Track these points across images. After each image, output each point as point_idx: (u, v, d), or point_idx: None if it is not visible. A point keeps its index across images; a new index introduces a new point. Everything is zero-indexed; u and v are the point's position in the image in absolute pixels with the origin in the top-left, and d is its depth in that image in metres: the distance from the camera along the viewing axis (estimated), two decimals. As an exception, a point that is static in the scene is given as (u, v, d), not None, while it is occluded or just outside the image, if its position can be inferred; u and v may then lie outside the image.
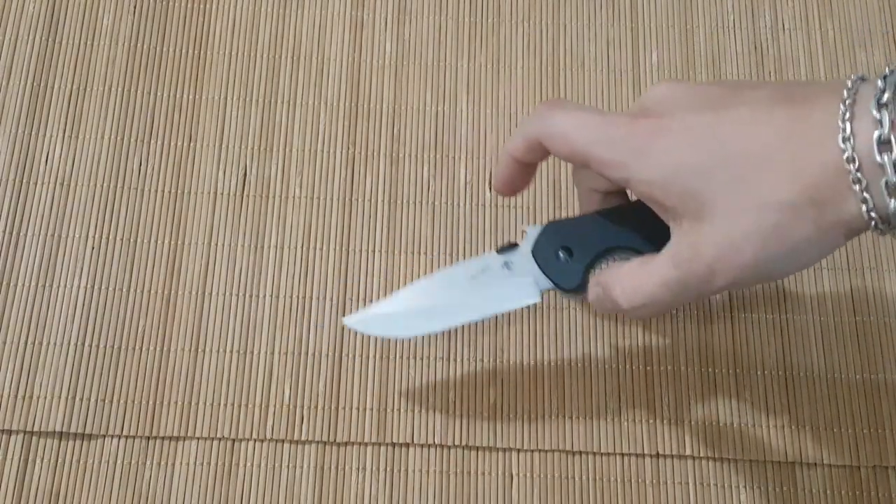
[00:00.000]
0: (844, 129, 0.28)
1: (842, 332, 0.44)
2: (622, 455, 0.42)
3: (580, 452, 0.42)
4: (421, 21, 0.50)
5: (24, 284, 0.44)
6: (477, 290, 0.37)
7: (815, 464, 0.42)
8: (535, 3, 0.51)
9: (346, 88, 0.49)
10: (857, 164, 0.28)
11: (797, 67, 0.50)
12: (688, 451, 0.42)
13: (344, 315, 0.44)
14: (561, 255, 0.36)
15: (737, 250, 0.30)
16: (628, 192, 0.39)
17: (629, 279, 0.34)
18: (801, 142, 0.29)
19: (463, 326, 0.44)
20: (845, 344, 0.44)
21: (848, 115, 0.28)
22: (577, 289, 0.36)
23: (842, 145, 0.28)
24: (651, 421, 0.43)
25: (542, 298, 0.38)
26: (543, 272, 0.36)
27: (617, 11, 0.51)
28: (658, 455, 0.42)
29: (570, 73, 0.49)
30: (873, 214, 0.28)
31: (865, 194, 0.28)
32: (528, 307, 0.41)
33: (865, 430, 0.43)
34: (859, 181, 0.28)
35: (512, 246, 0.38)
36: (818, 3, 0.51)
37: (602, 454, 0.42)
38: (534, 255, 0.37)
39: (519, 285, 0.37)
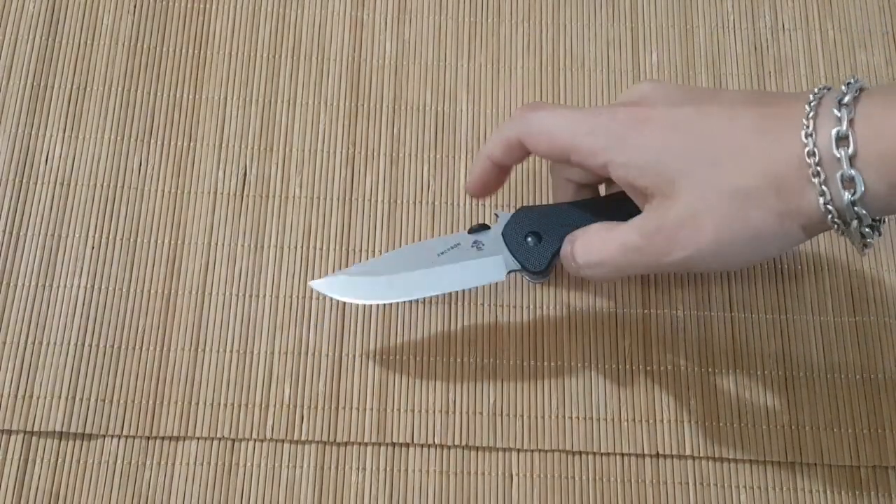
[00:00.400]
0: (808, 126, 0.30)
1: (842, 332, 0.44)
2: (622, 455, 0.42)
3: (580, 452, 0.42)
4: (421, 21, 0.50)
5: (24, 284, 0.44)
6: (444, 265, 0.39)
7: (815, 464, 0.42)
8: (535, 3, 0.51)
9: (346, 88, 0.49)
10: (817, 157, 0.30)
11: (797, 67, 0.50)
12: (688, 451, 0.42)
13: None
14: (529, 239, 0.38)
15: (698, 227, 0.32)
16: (600, 188, 0.41)
17: (592, 237, 0.36)
18: (769, 136, 0.31)
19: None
20: (845, 344, 0.44)
21: (812, 114, 0.30)
22: (543, 272, 0.38)
23: (804, 140, 0.30)
24: (651, 421, 0.43)
25: (507, 278, 0.39)
26: (512, 254, 0.38)
27: (617, 11, 0.51)
28: (658, 455, 0.42)
29: (570, 73, 0.49)
30: (830, 207, 0.30)
31: (823, 187, 0.30)
32: (495, 283, 0.42)
33: (865, 430, 0.43)
34: (818, 174, 0.30)
35: (483, 227, 0.39)
36: (818, 3, 0.51)
37: (602, 454, 0.42)
38: (503, 237, 0.38)
39: (486, 264, 0.38)
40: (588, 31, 0.50)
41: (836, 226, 0.31)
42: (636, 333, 0.44)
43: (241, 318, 0.44)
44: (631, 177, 0.33)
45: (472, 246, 0.38)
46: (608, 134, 0.34)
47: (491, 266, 0.38)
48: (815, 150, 0.30)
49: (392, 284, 0.39)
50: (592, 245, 0.35)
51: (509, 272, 0.38)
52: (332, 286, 0.40)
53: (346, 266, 0.45)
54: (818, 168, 0.30)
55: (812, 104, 0.31)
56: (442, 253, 0.39)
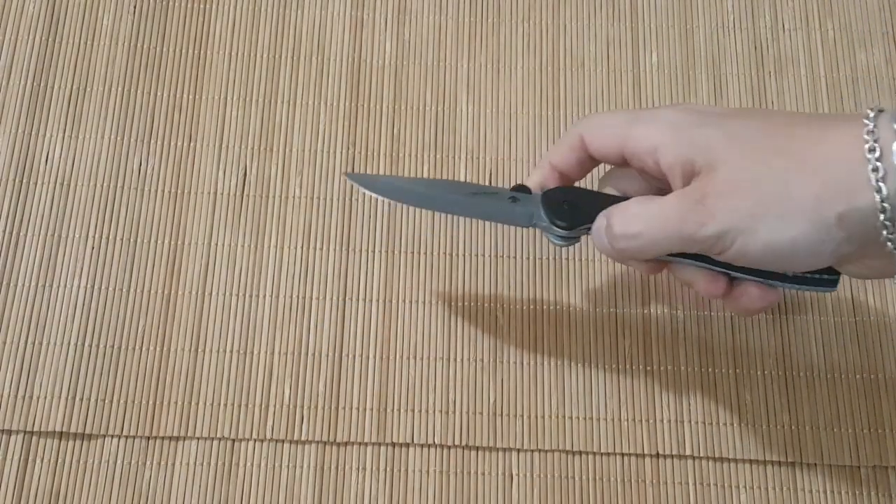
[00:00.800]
0: (868, 115, 0.30)
1: (842, 332, 0.44)
2: (622, 455, 0.42)
3: (580, 452, 0.42)
4: (421, 21, 0.50)
5: (24, 284, 0.44)
6: (477, 199, 0.39)
7: (815, 464, 0.42)
8: (535, 3, 0.51)
9: (346, 88, 0.49)
10: (875, 134, 0.29)
11: (797, 67, 0.50)
12: (688, 451, 0.42)
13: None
14: (566, 207, 0.38)
15: (740, 198, 0.31)
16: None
17: (631, 207, 0.35)
18: (828, 123, 0.31)
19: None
20: (845, 344, 0.44)
21: (874, 108, 0.30)
22: (567, 232, 0.38)
23: (866, 122, 0.30)
24: (651, 421, 0.43)
25: (529, 230, 0.41)
26: (544, 209, 0.38)
27: (617, 11, 0.51)
28: (658, 455, 0.42)
29: (570, 73, 0.49)
30: (881, 185, 0.29)
31: (878, 163, 0.29)
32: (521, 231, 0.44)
33: (865, 430, 0.43)
34: (874, 149, 0.29)
35: (524, 189, 0.39)
36: (818, 3, 0.51)
37: (602, 454, 0.42)
38: (542, 196, 0.38)
39: (515, 211, 0.39)
40: (588, 31, 0.50)
41: (882, 212, 0.29)
42: (636, 333, 0.44)
43: (241, 318, 0.44)
44: (682, 154, 0.33)
45: (509, 199, 0.39)
46: (664, 120, 0.34)
47: (519, 214, 0.38)
48: (875, 129, 0.29)
49: (422, 196, 0.40)
50: (630, 214, 0.35)
51: (534, 224, 0.38)
52: (365, 181, 0.41)
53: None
54: (875, 143, 0.29)
55: (874, 108, 0.31)
56: (476, 193, 0.40)
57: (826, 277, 0.35)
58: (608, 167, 0.40)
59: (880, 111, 0.30)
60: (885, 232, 0.29)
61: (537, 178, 0.39)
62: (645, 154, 0.34)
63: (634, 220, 0.34)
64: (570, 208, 0.38)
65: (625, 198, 0.37)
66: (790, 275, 0.35)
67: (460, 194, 0.40)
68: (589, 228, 0.37)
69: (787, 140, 0.31)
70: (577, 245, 0.45)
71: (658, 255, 0.35)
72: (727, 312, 0.45)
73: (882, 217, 0.29)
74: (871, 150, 0.29)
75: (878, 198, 0.29)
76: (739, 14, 0.51)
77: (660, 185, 0.36)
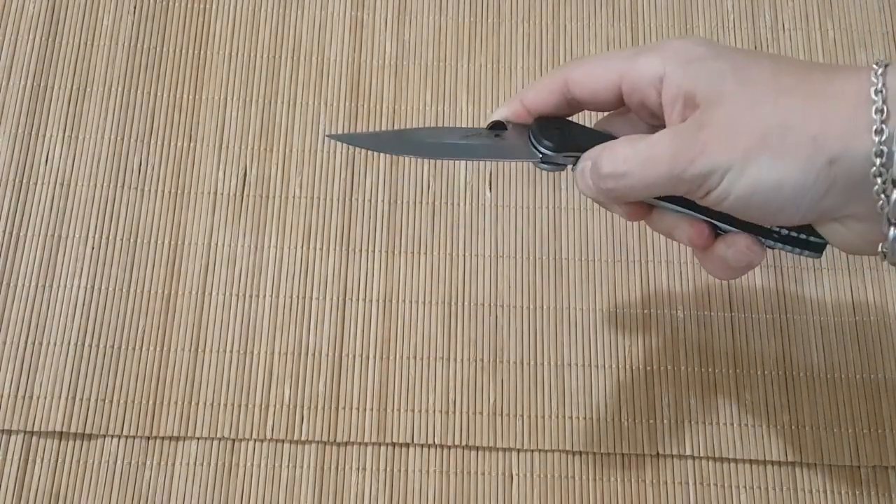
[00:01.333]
0: (876, 69, 0.29)
1: (842, 332, 0.44)
2: (622, 455, 0.42)
3: (580, 452, 0.42)
4: (421, 21, 0.50)
5: (24, 284, 0.44)
6: (469, 142, 0.37)
7: (815, 464, 0.42)
8: (535, 3, 0.51)
9: (346, 88, 0.49)
10: (884, 78, 0.29)
11: (797, 67, 0.50)
12: (688, 451, 0.42)
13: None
14: (556, 132, 0.36)
15: (734, 132, 0.30)
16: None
17: (621, 147, 0.33)
18: (835, 71, 0.30)
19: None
20: (845, 344, 0.44)
21: (881, 66, 0.30)
22: (554, 154, 0.36)
23: (875, 66, 0.29)
24: (651, 421, 0.43)
25: (534, 161, 0.36)
26: (531, 131, 0.36)
27: (617, 11, 0.51)
28: (658, 455, 0.42)
29: (570, 73, 0.49)
30: (884, 127, 0.28)
31: (884, 105, 0.28)
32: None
33: (865, 430, 0.43)
34: (881, 91, 0.28)
35: (500, 125, 0.37)
36: (818, 3, 0.51)
37: (602, 454, 0.42)
38: (535, 120, 0.36)
39: (506, 147, 0.36)
40: (588, 31, 0.50)
41: (879, 156, 0.28)
42: (636, 333, 0.44)
43: (241, 318, 0.44)
44: (686, 86, 0.31)
45: (494, 136, 0.36)
46: (673, 49, 0.32)
47: (510, 149, 0.36)
48: (884, 73, 0.29)
49: (409, 145, 0.38)
50: (619, 153, 0.33)
51: (524, 156, 0.36)
52: (348, 138, 0.42)
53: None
54: (883, 86, 0.28)
55: (880, 61, 0.30)
56: (469, 136, 0.37)
57: (813, 240, 0.34)
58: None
59: (888, 65, 0.29)
60: (879, 180, 0.29)
61: (504, 113, 0.37)
62: (647, 85, 0.33)
63: (623, 160, 0.33)
64: (561, 134, 0.36)
65: (615, 137, 0.35)
66: (776, 233, 0.34)
67: (452, 139, 0.37)
68: (577, 158, 0.35)
69: (795, 81, 0.30)
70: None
71: (645, 197, 0.34)
72: (727, 312, 0.45)
73: (878, 162, 0.28)
74: (878, 92, 0.28)
75: (877, 140, 0.28)
76: (739, 14, 0.51)
77: (658, 125, 0.34)
